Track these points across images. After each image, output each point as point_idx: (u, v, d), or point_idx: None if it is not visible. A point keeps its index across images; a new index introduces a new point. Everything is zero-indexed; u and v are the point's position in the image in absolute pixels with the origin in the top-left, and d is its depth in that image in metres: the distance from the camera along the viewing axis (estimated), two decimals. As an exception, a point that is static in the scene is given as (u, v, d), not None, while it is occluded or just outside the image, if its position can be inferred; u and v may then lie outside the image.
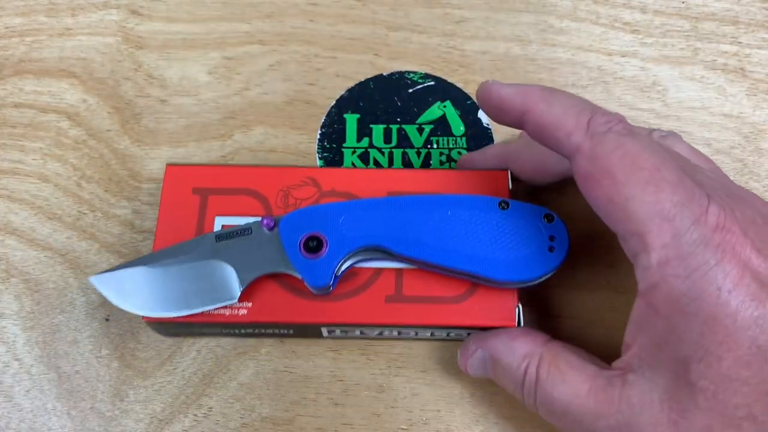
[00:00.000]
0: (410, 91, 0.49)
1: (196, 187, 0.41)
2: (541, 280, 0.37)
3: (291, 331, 0.40)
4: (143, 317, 0.38)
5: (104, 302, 0.42)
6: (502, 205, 0.38)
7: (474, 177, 0.41)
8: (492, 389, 0.40)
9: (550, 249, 0.37)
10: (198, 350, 0.42)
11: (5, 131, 0.48)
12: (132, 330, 0.42)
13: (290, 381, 0.41)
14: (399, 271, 0.39)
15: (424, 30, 0.52)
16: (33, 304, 0.43)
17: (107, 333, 0.42)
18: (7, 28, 0.52)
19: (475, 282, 0.38)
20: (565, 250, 0.37)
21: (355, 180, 0.41)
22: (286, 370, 0.41)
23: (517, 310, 0.38)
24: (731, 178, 0.46)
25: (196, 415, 0.40)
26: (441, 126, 0.48)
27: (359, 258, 0.38)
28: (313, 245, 0.37)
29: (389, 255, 0.38)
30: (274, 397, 0.40)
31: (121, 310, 0.42)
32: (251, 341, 0.42)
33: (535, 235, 0.37)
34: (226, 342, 0.42)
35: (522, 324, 0.38)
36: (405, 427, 0.40)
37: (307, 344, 0.42)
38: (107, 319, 0.42)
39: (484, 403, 0.40)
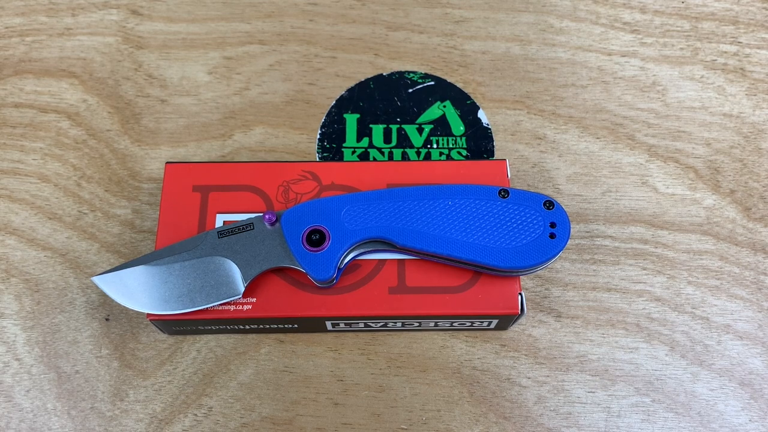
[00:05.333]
0: (410, 91, 0.49)
1: (196, 185, 0.41)
2: (544, 266, 0.38)
3: (295, 326, 0.40)
4: (147, 315, 0.38)
5: (104, 302, 0.42)
6: (502, 193, 0.38)
7: (473, 167, 0.41)
8: (492, 389, 0.41)
9: (551, 236, 0.37)
10: (198, 350, 0.41)
11: (5, 131, 0.48)
12: (132, 330, 0.42)
13: (290, 381, 0.41)
14: (401, 262, 0.39)
15: (424, 30, 0.52)
16: (33, 304, 0.43)
17: (107, 333, 0.42)
18: (7, 28, 0.52)
19: (477, 271, 0.39)
20: (567, 236, 0.37)
21: (355, 173, 0.41)
22: (286, 370, 0.41)
23: (519, 297, 0.38)
24: (731, 178, 0.46)
25: (196, 414, 0.40)
26: (441, 126, 0.48)
27: (362, 250, 0.38)
28: (316, 238, 0.37)
29: (391, 246, 0.38)
30: (274, 397, 0.40)
31: (121, 310, 0.42)
32: (251, 341, 0.42)
33: (536, 222, 0.37)
34: (226, 342, 0.42)
35: (525, 311, 0.38)
36: (405, 427, 0.40)
37: (308, 344, 0.42)
38: (107, 319, 0.42)
39: (484, 403, 0.40)
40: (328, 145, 0.47)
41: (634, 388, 0.41)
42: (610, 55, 0.51)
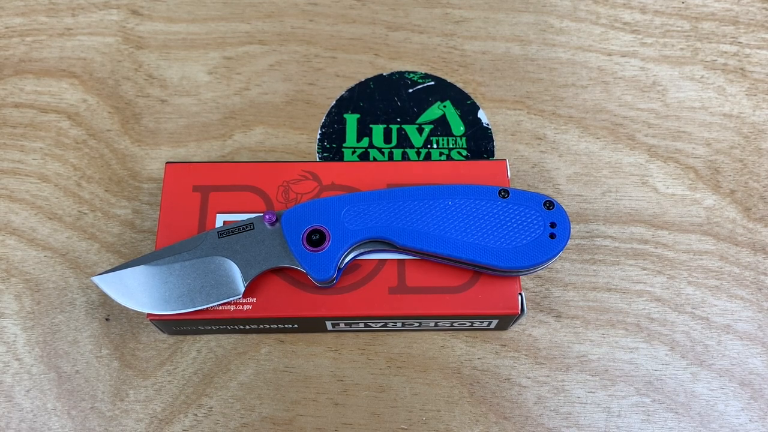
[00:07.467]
0: (410, 91, 0.49)
1: (196, 185, 0.41)
2: (544, 266, 0.38)
3: (295, 326, 0.40)
4: (147, 315, 0.38)
5: (104, 302, 0.42)
6: (503, 193, 0.38)
7: (473, 167, 0.42)
8: (492, 389, 0.41)
9: (551, 236, 0.37)
10: (198, 350, 0.41)
11: (5, 131, 0.48)
12: (132, 330, 0.42)
13: (290, 381, 0.41)
14: (401, 262, 0.39)
15: (424, 30, 0.52)
16: (33, 304, 0.43)
17: (107, 333, 0.42)
18: (7, 28, 0.52)
19: (477, 271, 0.39)
20: (567, 236, 0.37)
21: (355, 173, 0.41)
22: (286, 370, 0.41)
23: (519, 297, 0.38)
24: (731, 178, 0.46)
25: (196, 415, 0.40)
26: (441, 126, 0.48)
27: (362, 250, 0.38)
28: (316, 239, 0.37)
29: (391, 246, 0.38)
30: (274, 397, 0.40)
31: (121, 310, 0.42)
32: (252, 341, 0.42)
33: (536, 222, 0.37)
34: (226, 342, 0.42)
35: (525, 311, 0.38)
36: (405, 427, 0.40)
37: (308, 344, 0.42)
38: (107, 319, 0.42)
39: (484, 403, 0.40)
40: (328, 145, 0.47)
41: (634, 388, 0.41)
42: (610, 55, 0.51)
